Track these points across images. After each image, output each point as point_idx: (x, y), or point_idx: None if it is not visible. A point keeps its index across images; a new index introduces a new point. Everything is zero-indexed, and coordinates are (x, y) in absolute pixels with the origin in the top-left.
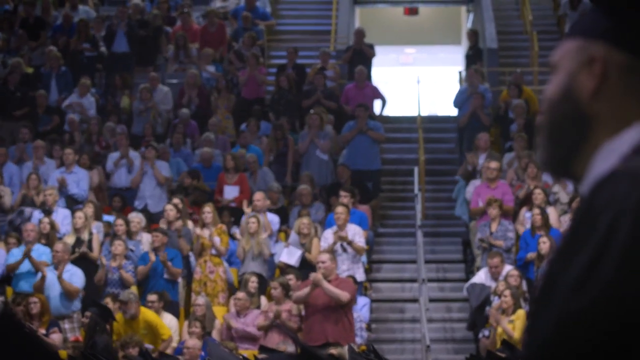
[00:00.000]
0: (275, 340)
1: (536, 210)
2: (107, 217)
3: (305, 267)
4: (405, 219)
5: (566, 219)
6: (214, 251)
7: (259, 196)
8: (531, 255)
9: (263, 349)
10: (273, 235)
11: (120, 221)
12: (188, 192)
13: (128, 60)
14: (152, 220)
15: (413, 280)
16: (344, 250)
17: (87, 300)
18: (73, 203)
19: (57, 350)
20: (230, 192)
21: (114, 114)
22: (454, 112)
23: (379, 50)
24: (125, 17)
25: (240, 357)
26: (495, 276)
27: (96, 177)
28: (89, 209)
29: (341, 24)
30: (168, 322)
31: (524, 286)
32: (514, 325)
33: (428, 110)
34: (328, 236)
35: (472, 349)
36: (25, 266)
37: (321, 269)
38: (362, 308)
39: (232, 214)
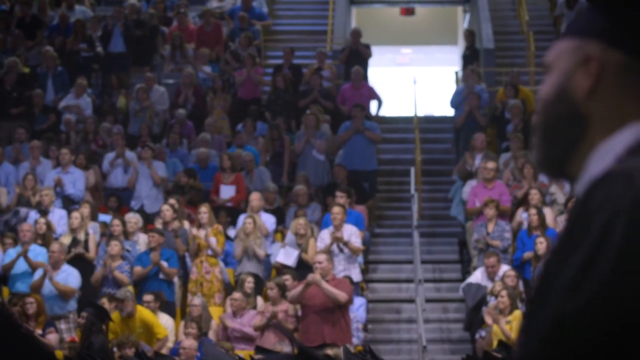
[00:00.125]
0: (271, 341)
1: (533, 211)
2: (104, 217)
3: (302, 267)
4: (401, 220)
5: (563, 219)
6: (210, 251)
7: (255, 196)
8: (528, 255)
9: (259, 349)
10: (269, 235)
11: (116, 221)
12: (184, 192)
13: (124, 60)
14: (149, 220)
15: (409, 281)
16: (341, 250)
17: (83, 300)
18: (69, 203)
19: (53, 351)
20: (227, 192)
21: (110, 114)
22: (450, 112)
23: (375, 50)
24: (121, 17)
25: (236, 357)
26: (491, 276)
27: (92, 177)
28: (85, 209)
29: (337, 24)
30: (164, 323)
31: (521, 286)
32: (511, 325)
33: (424, 110)
34: (324, 236)
35: (469, 350)
36: (22, 266)
37: (318, 269)
38: (358, 308)
39: (228, 214)
